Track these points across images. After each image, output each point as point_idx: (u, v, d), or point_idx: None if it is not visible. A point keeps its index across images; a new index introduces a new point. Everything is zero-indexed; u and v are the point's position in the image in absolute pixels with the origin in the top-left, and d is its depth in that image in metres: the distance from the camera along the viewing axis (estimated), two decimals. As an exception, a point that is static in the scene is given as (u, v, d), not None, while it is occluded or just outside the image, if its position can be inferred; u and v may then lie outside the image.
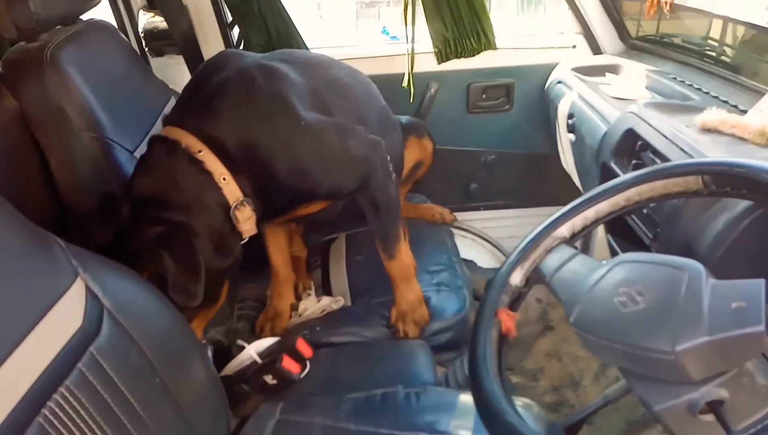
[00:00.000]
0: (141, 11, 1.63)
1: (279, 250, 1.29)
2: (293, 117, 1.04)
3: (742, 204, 0.82)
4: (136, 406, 0.74)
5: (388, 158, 1.17)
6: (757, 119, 1.01)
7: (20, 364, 0.61)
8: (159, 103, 1.29)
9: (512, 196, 1.91)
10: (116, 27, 1.32)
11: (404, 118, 1.50)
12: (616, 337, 0.66)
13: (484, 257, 1.88)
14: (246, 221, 1.03)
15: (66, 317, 0.70)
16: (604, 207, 0.85)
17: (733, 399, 0.61)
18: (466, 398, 1.00)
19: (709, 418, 0.62)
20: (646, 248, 1.05)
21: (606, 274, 0.72)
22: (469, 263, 1.78)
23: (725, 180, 0.73)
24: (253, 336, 1.25)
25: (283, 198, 1.08)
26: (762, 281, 0.59)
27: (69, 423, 0.64)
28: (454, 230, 1.68)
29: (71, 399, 0.65)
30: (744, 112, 1.06)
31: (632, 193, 0.82)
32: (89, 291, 0.74)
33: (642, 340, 0.63)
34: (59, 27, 1.08)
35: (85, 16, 1.17)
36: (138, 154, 1.11)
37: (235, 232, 1.03)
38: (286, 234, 1.33)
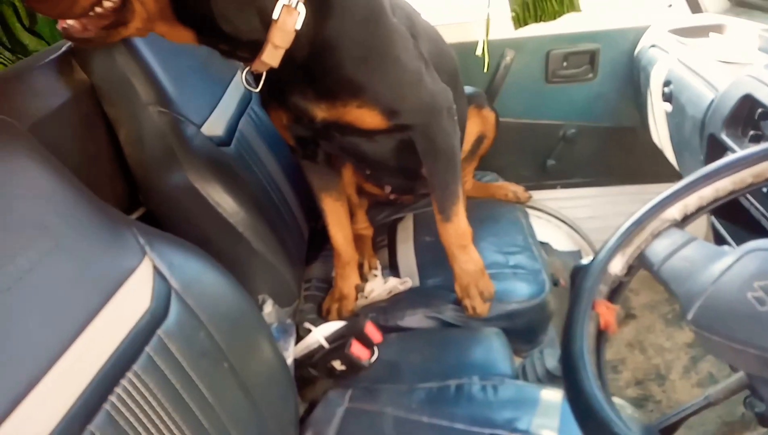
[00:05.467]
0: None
1: (340, 227, 1.23)
2: (383, 16, 0.94)
3: None
4: (204, 391, 0.71)
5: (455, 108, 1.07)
6: None
7: (88, 347, 0.59)
8: (226, 77, 1.26)
9: (593, 173, 1.77)
10: None
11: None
12: (751, 341, 0.55)
13: (560, 239, 1.75)
14: (280, 29, 0.84)
15: (134, 298, 0.67)
16: (724, 184, 0.72)
17: None
18: (549, 395, 0.92)
19: None
20: (766, 234, 0.91)
21: (734, 264, 0.61)
22: (544, 245, 1.66)
23: None
24: (320, 318, 1.21)
25: (336, 74, 0.92)
26: None
27: (136, 410, 0.61)
28: (529, 210, 1.57)
29: (138, 384, 0.63)
30: None
31: (764, 168, 0.69)
32: (157, 271, 0.72)
33: (787, 346, 0.53)
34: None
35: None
36: (204, 129, 1.08)
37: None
38: (347, 211, 1.27)
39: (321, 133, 1.03)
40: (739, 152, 0.71)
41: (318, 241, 1.39)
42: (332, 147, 1.10)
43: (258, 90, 0.94)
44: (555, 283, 1.31)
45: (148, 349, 0.65)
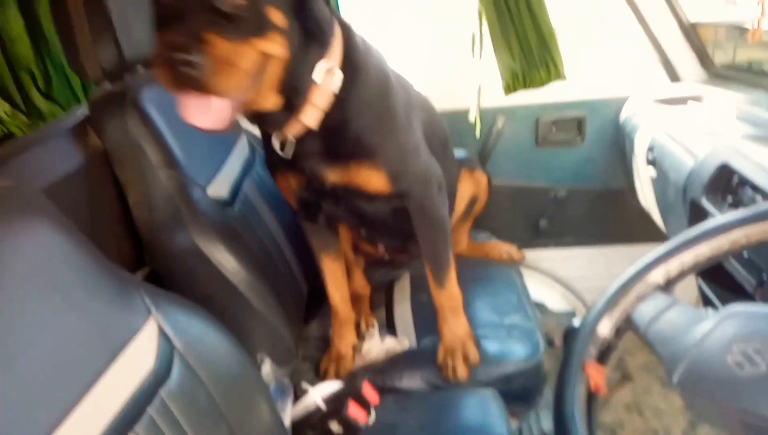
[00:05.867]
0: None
1: (338, 287, 1.26)
2: (392, 85, 1.03)
3: None
4: (202, 453, 0.72)
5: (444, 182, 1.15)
6: None
7: (92, 408, 0.60)
8: (231, 141, 1.32)
9: (584, 233, 1.82)
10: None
11: (456, 153, 1.47)
12: (732, 403, 0.58)
13: (554, 299, 1.78)
14: (321, 91, 0.91)
15: (139, 358, 0.69)
16: (703, 250, 0.76)
17: None
18: (546, 457, 0.92)
19: None
20: (748, 296, 0.95)
21: (715, 328, 0.64)
22: (539, 305, 1.69)
23: None
24: (317, 377, 1.21)
25: (347, 139, 0.98)
26: None
27: (137, 471, 0.62)
28: (523, 270, 1.60)
29: (140, 445, 0.64)
30: None
31: (738, 236, 0.73)
32: (161, 331, 0.74)
33: (766, 408, 0.55)
34: (140, 69, 1.12)
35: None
36: (210, 190, 1.12)
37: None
38: (345, 271, 1.30)
39: (327, 196, 1.07)
40: (716, 219, 0.75)
41: (316, 300, 1.41)
42: (335, 210, 1.14)
43: (289, 156, 0.98)
44: (549, 343, 1.32)
45: (150, 409, 0.67)
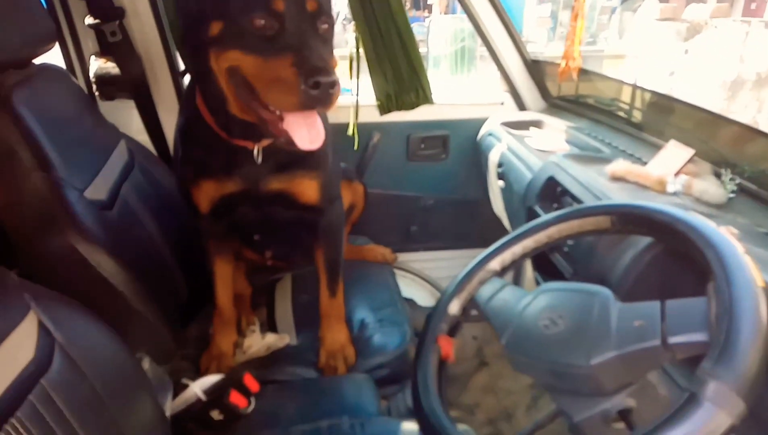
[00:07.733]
0: (93, 57, 1.64)
1: (226, 289, 1.32)
2: None
3: (645, 241, 0.95)
4: (85, 440, 0.75)
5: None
6: (656, 170, 1.17)
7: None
8: (110, 145, 1.30)
9: (448, 237, 2.03)
10: (67, 71, 1.33)
11: None
12: (541, 356, 0.75)
13: (423, 296, 1.96)
14: None
15: (18, 349, 0.71)
16: (529, 243, 0.96)
17: (639, 407, 0.71)
18: (409, 426, 1.05)
19: (621, 425, 0.71)
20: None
21: (532, 302, 0.82)
22: (409, 301, 1.85)
23: (629, 219, 0.86)
24: (198, 375, 1.24)
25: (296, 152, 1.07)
26: (658, 303, 0.70)
27: (19, 455, 0.64)
28: (396, 270, 1.76)
29: (22, 430, 0.66)
30: (646, 163, 1.23)
31: (552, 231, 0.93)
32: (41, 325, 0.76)
33: (563, 357, 0.72)
34: (11, 70, 1.09)
35: (37, 61, 1.19)
36: (87, 193, 1.12)
37: None
38: (232, 273, 1.36)
39: (251, 202, 1.15)
40: (536, 220, 0.95)
41: (195, 303, 1.44)
42: (250, 216, 1.20)
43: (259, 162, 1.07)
44: (417, 334, 1.48)
45: (31, 397, 0.69)
